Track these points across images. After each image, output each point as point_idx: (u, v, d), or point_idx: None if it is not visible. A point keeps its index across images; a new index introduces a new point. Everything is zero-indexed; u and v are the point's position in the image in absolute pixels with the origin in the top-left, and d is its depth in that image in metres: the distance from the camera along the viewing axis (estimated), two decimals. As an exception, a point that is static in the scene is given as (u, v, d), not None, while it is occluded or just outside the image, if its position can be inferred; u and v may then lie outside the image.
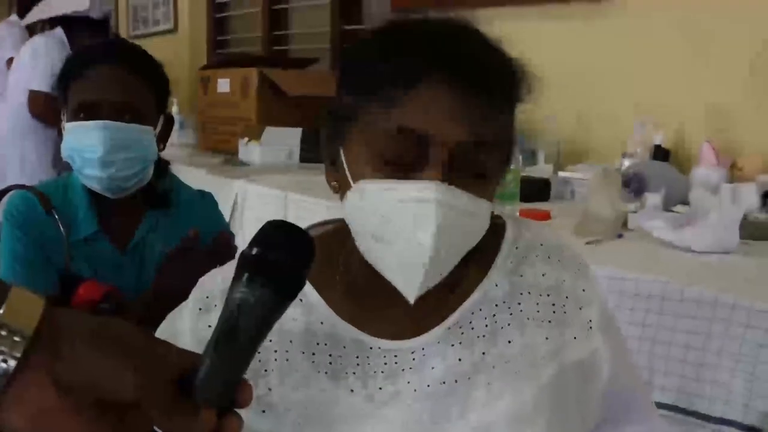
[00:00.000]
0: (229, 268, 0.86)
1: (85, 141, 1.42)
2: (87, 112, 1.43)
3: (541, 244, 0.89)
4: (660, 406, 1.35)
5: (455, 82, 0.73)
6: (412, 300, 0.78)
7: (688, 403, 1.34)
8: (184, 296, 0.88)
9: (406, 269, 0.76)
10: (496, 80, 0.76)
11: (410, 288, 0.77)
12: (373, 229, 0.76)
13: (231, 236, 1.60)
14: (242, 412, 0.55)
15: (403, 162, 0.74)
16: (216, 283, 0.85)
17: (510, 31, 0.83)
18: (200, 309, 0.84)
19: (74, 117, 1.44)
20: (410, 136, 0.73)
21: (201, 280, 0.88)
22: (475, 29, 0.80)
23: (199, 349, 0.55)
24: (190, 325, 0.84)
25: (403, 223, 0.74)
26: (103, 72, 1.44)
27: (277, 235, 0.59)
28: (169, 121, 1.57)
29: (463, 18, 0.80)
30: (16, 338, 0.50)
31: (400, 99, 0.73)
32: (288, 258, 0.57)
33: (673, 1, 2.46)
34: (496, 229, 0.89)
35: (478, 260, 0.87)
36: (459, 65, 0.74)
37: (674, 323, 1.38)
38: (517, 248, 0.88)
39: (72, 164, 1.47)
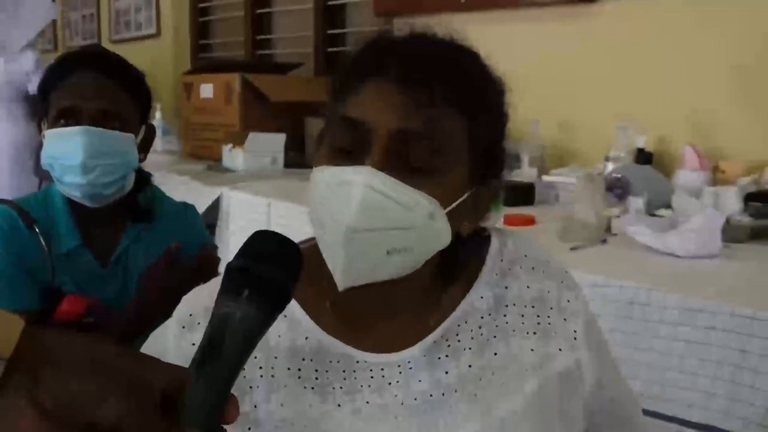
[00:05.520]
0: (212, 285, 0.85)
1: (65, 147, 1.40)
2: (67, 118, 1.42)
3: (526, 256, 0.89)
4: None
5: (399, 80, 0.77)
6: (340, 287, 0.77)
7: (669, 409, 1.35)
8: (167, 309, 0.87)
9: (333, 251, 0.76)
10: (440, 79, 0.77)
11: (337, 273, 0.77)
12: (317, 215, 0.78)
13: (214, 248, 1.59)
14: (228, 430, 0.54)
15: (347, 150, 0.77)
16: (199, 301, 0.83)
17: (491, 36, 0.84)
18: (183, 327, 0.82)
19: (54, 124, 1.43)
20: (352, 125, 0.77)
21: (184, 297, 0.86)
22: (440, 39, 0.82)
23: None
24: (173, 343, 0.82)
25: (333, 204, 0.75)
26: (83, 79, 1.43)
27: (265, 246, 0.58)
28: (151, 131, 1.56)
29: (432, 29, 0.83)
30: None
31: (351, 94, 0.79)
32: (276, 270, 0.56)
33: (655, 6, 2.47)
34: (481, 241, 0.90)
35: (462, 273, 0.87)
36: (404, 66, 0.77)
37: (657, 330, 1.38)
38: (501, 260, 0.88)
39: (51, 172, 1.45)
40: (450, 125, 0.78)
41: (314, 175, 0.79)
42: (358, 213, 0.73)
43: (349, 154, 0.77)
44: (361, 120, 0.77)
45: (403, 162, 0.75)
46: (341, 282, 0.77)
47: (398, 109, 0.76)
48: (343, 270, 0.76)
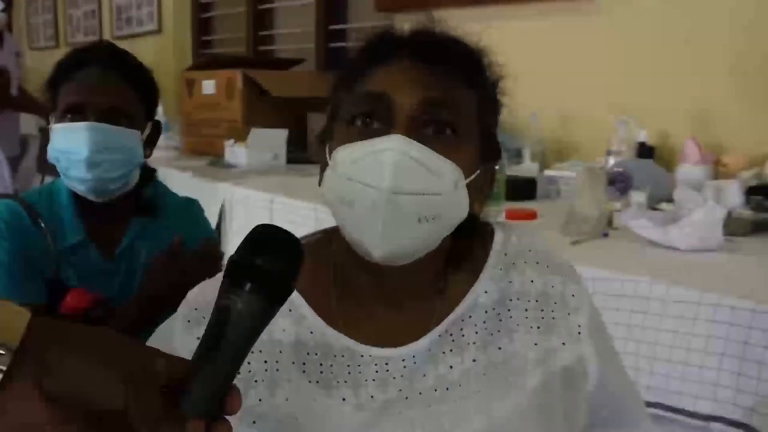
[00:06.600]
0: (217, 280, 0.84)
1: (71, 142, 1.42)
2: (74, 113, 1.43)
3: (530, 250, 0.89)
4: (647, 404, 1.36)
5: (416, 60, 0.80)
6: (377, 255, 0.76)
7: (675, 401, 1.35)
8: (170, 303, 0.87)
9: (367, 219, 0.75)
10: (451, 59, 0.81)
11: (374, 240, 0.75)
12: (341, 192, 0.77)
13: (217, 243, 1.60)
14: (232, 423, 0.55)
15: (371, 126, 0.78)
16: (205, 295, 0.83)
17: (492, 30, 0.86)
18: (189, 321, 0.82)
19: (61, 119, 1.45)
20: (374, 98, 0.79)
21: (190, 292, 0.86)
22: (441, 31, 0.85)
23: None
24: (179, 338, 0.82)
25: (364, 174, 0.75)
26: (92, 75, 1.45)
27: (265, 239, 0.59)
28: (157, 127, 1.57)
29: (432, 25, 0.86)
30: (1, 351, 0.50)
31: (371, 74, 0.81)
32: (276, 262, 0.57)
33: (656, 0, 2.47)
34: (485, 235, 0.90)
35: (468, 267, 0.87)
36: (420, 48, 0.81)
37: (659, 323, 1.39)
38: (505, 255, 0.88)
39: (57, 166, 1.47)
40: (464, 99, 0.80)
41: (337, 154, 0.78)
42: (395, 176, 0.73)
43: (370, 128, 0.78)
44: (384, 93, 0.78)
45: (427, 132, 0.77)
46: (378, 250, 0.76)
47: (418, 81, 0.78)
48: (381, 234, 0.75)
